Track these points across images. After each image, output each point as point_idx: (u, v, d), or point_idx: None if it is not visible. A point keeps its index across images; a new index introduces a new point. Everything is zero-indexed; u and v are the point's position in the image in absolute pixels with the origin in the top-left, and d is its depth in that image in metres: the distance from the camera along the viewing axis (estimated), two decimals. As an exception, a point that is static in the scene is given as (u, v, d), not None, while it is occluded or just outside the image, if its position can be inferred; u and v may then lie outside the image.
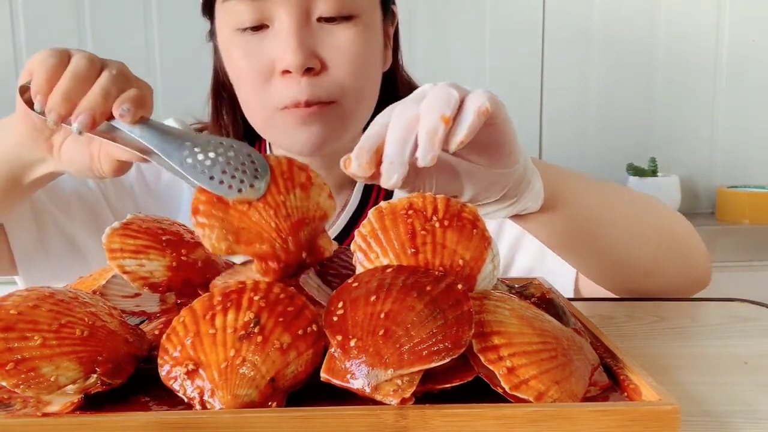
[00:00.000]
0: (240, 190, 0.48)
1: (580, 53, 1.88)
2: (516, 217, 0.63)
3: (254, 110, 0.76)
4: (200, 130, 0.90)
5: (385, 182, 0.46)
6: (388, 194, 0.87)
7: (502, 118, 0.51)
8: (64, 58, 0.54)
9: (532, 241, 0.77)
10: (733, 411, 0.44)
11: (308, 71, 0.70)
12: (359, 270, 0.45)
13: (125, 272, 0.48)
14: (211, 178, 0.49)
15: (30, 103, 0.55)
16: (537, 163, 0.63)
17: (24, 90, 0.56)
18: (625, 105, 1.90)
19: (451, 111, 0.46)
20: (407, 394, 0.37)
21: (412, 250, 0.44)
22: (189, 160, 0.49)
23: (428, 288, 0.40)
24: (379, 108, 0.85)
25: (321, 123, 0.73)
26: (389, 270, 0.42)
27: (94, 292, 0.49)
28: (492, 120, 0.49)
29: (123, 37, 1.79)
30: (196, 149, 0.50)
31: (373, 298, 0.40)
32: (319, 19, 0.71)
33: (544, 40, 1.87)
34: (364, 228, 0.46)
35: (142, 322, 0.51)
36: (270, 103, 0.73)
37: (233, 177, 0.49)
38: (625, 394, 0.41)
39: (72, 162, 0.59)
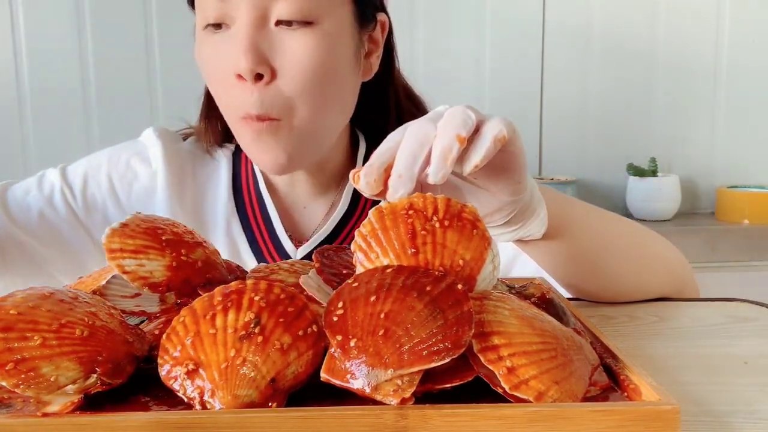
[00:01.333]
0: None
1: (580, 54, 1.88)
2: (518, 241, 0.63)
3: (224, 112, 0.76)
4: (188, 135, 0.91)
5: (390, 196, 0.46)
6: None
7: (517, 147, 0.51)
8: None
9: (527, 264, 0.77)
10: (733, 411, 0.44)
11: (259, 78, 0.69)
12: (359, 270, 0.45)
13: (125, 272, 0.48)
14: None
15: None
16: (542, 189, 0.62)
17: None
18: (625, 105, 1.90)
19: (467, 131, 0.46)
20: (407, 394, 0.37)
21: (413, 250, 0.44)
22: None
23: (428, 288, 0.40)
24: (373, 116, 0.86)
25: (272, 141, 0.72)
26: (389, 270, 0.42)
27: (94, 292, 0.49)
28: (506, 147, 0.49)
29: (123, 37, 1.79)
30: None
31: (373, 298, 0.40)
32: (278, 23, 0.69)
33: (544, 40, 1.87)
34: (364, 228, 0.46)
35: (142, 322, 0.51)
36: (231, 108, 0.73)
37: None
38: (625, 394, 0.41)
39: None
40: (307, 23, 0.69)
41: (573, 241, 0.65)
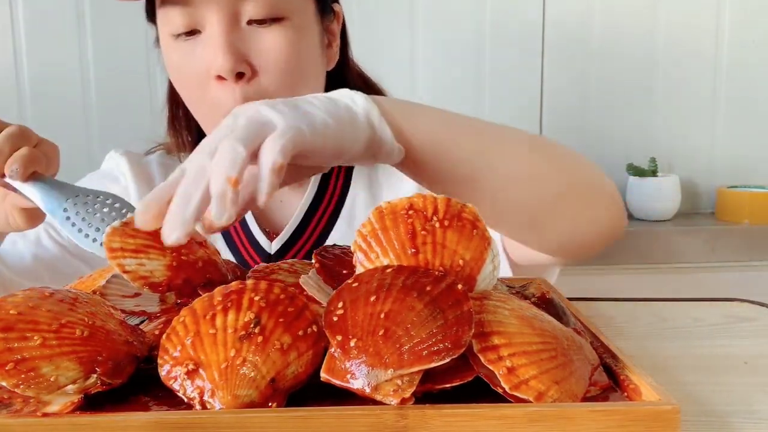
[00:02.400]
0: None
1: (580, 54, 1.88)
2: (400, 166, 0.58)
3: (201, 118, 0.77)
4: (153, 152, 0.92)
5: (164, 240, 0.42)
6: (344, 190, 0.86)
7: (318, 145, 0.47)
8: None
9: None
10: (733, 411, 0.44)
11: (240, 77, 0.70)
12: (359, 270, 0.45)
13: (125, 271, 0.48)
14: (86, 236, 0.53)
15: None
16: (403, 106, 0.57)
17: None
18: (625, 105, 1.90)
19: (237, 171, 0.42)
20: (407, 394, 0.37)
21: (413, 250, 0.44)
22: (68, 218, 0.53)
23: (428, 288, 0.40)
24: None
25: None
26: (389, 270, 0.42)
27: (94, 292, 0.49)
28: (304, 155, 0.47)
29: (123, 37, 1.79)
30: (75, 206, 0.54)
31: (373, 298, 0.40)
32: (250, 22, 0.70)
33: (544, 39, 1.87)
34: (364, 228, 0.46)
35: (142, 322, 0.51)
36: (213, 111, 0.73)
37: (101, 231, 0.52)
38: (625, 394, 0.41)
39: None
40: (277, 19, 0.71)
41: (447, 155, 0.57)
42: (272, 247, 0.83)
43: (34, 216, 0.62)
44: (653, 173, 1.81)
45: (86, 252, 0.85)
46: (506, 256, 0.75)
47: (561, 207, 0.62)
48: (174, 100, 0.87)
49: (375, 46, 1.78)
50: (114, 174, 0.89)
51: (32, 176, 0.56)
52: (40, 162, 0.57)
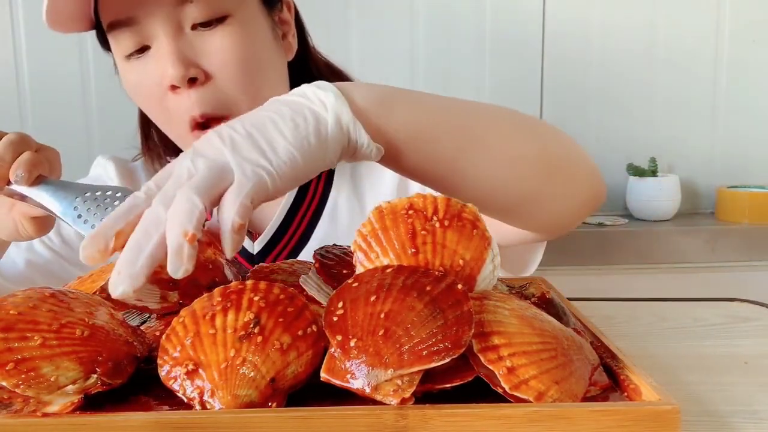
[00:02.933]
0: None
1: (580, 53, 1.88)
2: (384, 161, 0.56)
3: (169, 132, 0.77)
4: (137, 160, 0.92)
5: (111, 292, 0.39)
6: (326, 188, 0.85)
7: (283, 189, 0.45)
8: None
9: (414, 191, 0.70)
10: (733, 411, 0.44)
11: (193, 82, 0.70)
12: (359, 270, 0.45)
13: None
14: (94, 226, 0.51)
15: None
16: (364, 85, 0.55)
17: None
18: (625, 105, 1.90)
19: (193, 227, 0.40)
20: (407, 394, 0.37)
21: (413, 250, 0.44)
22: (80, 216, 0.52)
23: (428, 288, 0.40)
24: None
25: None
26: (389, 270, 0.42)
27: (95, 293, 0.49)
28: (270, 197, 0.45)
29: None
30: (86, 203, 0.53)
31: (373, 298, 0.40)
32: (194, 27, 0.70)
33: (544, 39, 1.87)
34: (364, 228, 0.46)
35: (143, 322, 0.51)
36: (176, 121, 0.73)
37: None
38: (625, 394, 0.41)
39: (1, 230, 0.63)
40: (221, 19, 0.71)
41: (421, 144, 0.55)
42: (254, 247, 0.82)
43: (44, 224, 0.62)
44: (653, 173, 1.81)
45: (74, 255, 0.86)
46: None
47: (545, 187, 0.62)
48: (145, 121, 0.87)
49: (375, 45, 1.78)
50: (102, 179, 0.89)
51: (38, 180, 0.55)
52: (44, 165, 0.57)
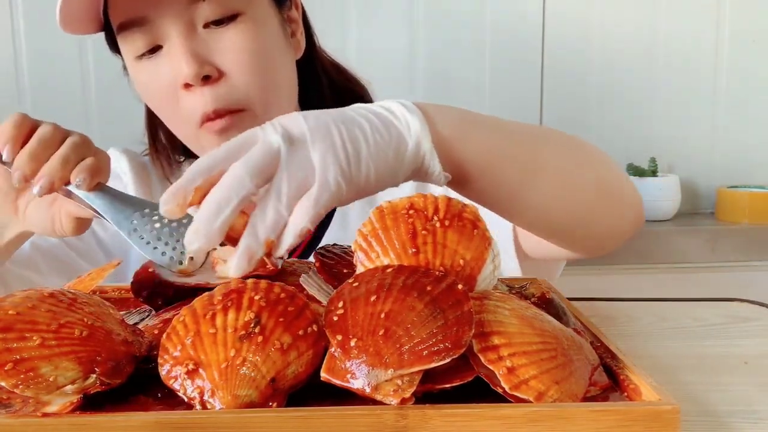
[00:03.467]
0: (180, 262, 0.51)
1: (580, 53, 1.88)
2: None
3: (179, 131, 0.77)
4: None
5: (187, 246, 0.42)
6: None
7: (348, 200, 0.46)
8: (31, 122, 0.57)
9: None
10: (733, 411, 0.44)
11: (207, 80, 0.70)
12: (360, 269, 0.45)
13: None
14: (155, 248, 0.52)
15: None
16: (442, 109, 0.55)
17: None
18: (625, 105, 1.90)
19: (275, 234, 0.43)
20: (407, 394, 0.37)
21: (413, 249, 0.44)
22: (136, 230, 0.53)
23: (428, 288, 0.40)
24: (309, 94, 0.85)
25: (238, 133, 0.72)
26: (390, 270, 0.42)
27: (93, 292, 0.49)
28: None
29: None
30: (143, 219, 0.53)
31: (373, 297, 0.40)
32: (207, 25, 0.70)
33: (544, 39, 1.87)
34: (365, 227, 0.46)
35: (142, 320, 0.51)
36: (186, 120, 0.73)
37: (174, 249, 0.52)
38: (625, 394, 0.41)
39: (36, 224, 0.63)
40: (233, 16, 0.71)
41: (492, 169, 0.57)
42: None
43: (83, 225, 0.62)
44: (653, 173, 1.81)
45: (81, 245, 0.85)
46: (515, 246, 0.75)
47: (597, 212, 0.65)
48: (152, 121, 0.86)
49: (375, 45, 1.78)
50: (116, 172, 0.89)
51: (96, 187, 0.56)
52: (104, 173, 0.57)
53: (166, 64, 0.71)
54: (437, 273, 0.42)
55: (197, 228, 0.41)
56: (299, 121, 0.46)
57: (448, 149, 0.52)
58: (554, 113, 1.89)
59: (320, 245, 0.55)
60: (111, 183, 0.83)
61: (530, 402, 0.37)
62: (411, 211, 0.46)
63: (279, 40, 0.76)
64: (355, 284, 0.42)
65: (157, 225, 0.53)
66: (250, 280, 0.43)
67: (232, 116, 0.72)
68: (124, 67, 0.78)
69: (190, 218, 0.50)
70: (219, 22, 0.70)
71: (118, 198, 0.56)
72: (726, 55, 1.89)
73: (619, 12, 1.87)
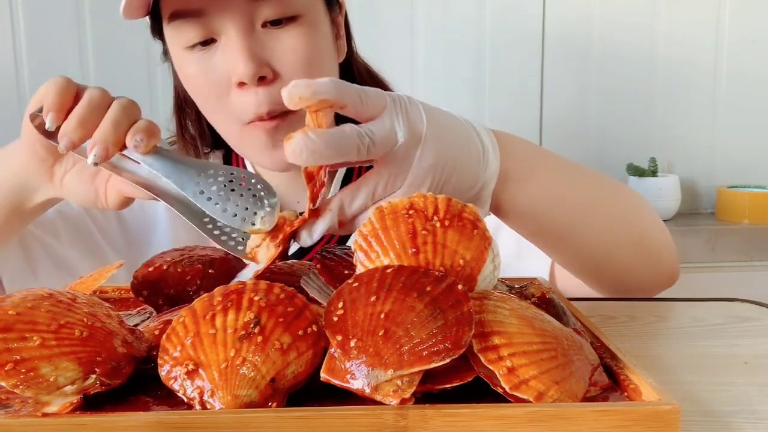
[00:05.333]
0: (253, 223, 0.49)
1: (580, 53, 1.88)
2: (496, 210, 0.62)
3: (221, 127, 0.77)
4: (174, 143, 0.91)
5: (290, 151, 0.45)
6: None
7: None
8: (75, 86, 0.55)
9: (508, 235, 0.76)
10: (733, 411, 0.44)
11: (262, 80, 0.70)
12: (360, 269, 0.45)
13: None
14: (225, 210, 0.49)
15: (41, 130, 0.56)
16: (510, 142, 0.59)
17: (33, 118, 0.56)
18: (625, 105, 1.90)
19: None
20: (407, 395, 0.37)
21: (413, 249, 0.44)
22: (203, 192, 0.50)
23: (428, 288, 0.40)
24: None
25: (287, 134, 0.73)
26: (389, 270, 0.42)
27: (94, 293, 0.49)
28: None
29: (123, 37, 1.79)
30: (209, 180, 0.51)
31: (373, 298, 0.40)
32: (265, 24, 0.70)
33: (544, 39, 1.87)
34: (365, 227, 0.46)
35: (142, 321, 0.51)
36: (234, 117, 0.73)
37: (246, 209, 0.50)
38: (625, 394, 0.41)
39: (76, 194, 0.61)
40: (292, 18, 0.70)
41: (552, 204, 0.62)
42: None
43: (128, 201, 0.60)
44: (653, 173, 1.81)
45: (104, 222, 0.84)
46: (549, 279, 0.80)
47: (631, 267, 0.69)
48: (181, 110, 0.86)
49: (375, 45, 1.78)
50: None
51: (153, 150, 0.53)
52: (158, 135, 0.55)
53: (221, 58, 0.70)
54: (437, 273, 0.42)
55: (314, 150, 0.45)
56: (421, 121, 0.50)
57: (505, 191, 0.57)
58: (554, 113, 1.89)
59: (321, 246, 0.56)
60: None
61: (530, 402, 0.37)
62: (411, 211, 0.45)
63: (330, 44, 0.76)
64: (355, 284, 0.42)
65: (225, 186, 0.50)
66: (250, 281, 0.43)
67: (283, 119, 0.72)
68: (165, 53, 0.78)
69: (257, 180, 0.51)
70: (277, 23, 0.70)
71: (178, 160, 0.52)
72: (726, 55, 1.89)
73: (619, 12, 1.87)
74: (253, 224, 0.49)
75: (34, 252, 0.79)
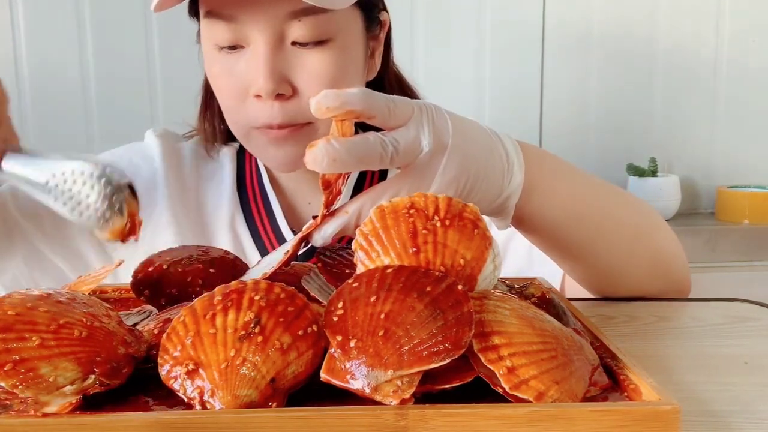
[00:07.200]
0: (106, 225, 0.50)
1: (580, 54, 1.88)
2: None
3: (232, 124, 0.78)
4: (192, 137, 0.92)
5: (310, 156, 0.45)
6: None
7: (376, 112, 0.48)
8: None
9: (520, 244, 0.77)
10: (733, 411, 0.44)
11: (279, 96, 0.70)
12: (360, 269, 0.45)
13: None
14: (72, 209, 0.50)
15: None
16: (535, 155, 0.60)
17: None
18: (625, 105, 1.90)
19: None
20: (407, 395, 0.37)
21: (414, 249, 0.44)
22: (54, 186, 0.51)
23: (428, 288, 0.40)
24: None
25: (294, 143, 0.73)
26: (389, 270, 0.42)
27: (93, 293, 0.49)
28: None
29: (123, 37, 1.79)
30: (63, 177, 0.50)
31: (373, 298, 0.40)
32: (293, 43, 0.70)
33: (544, 39, 1.87)
34: (365, 227, 0.46)
35: (142, 320, 0.51)
36: (245, 121, 0.74)
37: (98, 207, 0.50)
38: (625, 394, 0.41)
39: None
40: (322, 42, 0.70)
41: (576, 214, 0.63)
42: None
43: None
44: (653, 173, 1.81)
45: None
46: (560, 288, 0.80)
47: (643, 283, 0.70)
48: (208, 89, 0.86)
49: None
50: (148, 153, 0.88)
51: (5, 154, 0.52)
52: (16, 139, 0.54)
53: (245, 66, 0.71)
54: (437, 273, 0.42)
55: (335, 158, 0.45)
56: (447, 131, 0.50)
57: (528, 203, 0.58)
58: (554, 113, 1.90)
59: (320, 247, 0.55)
60: (143, 166, 0.82)
61: (530, 402, 0.37)
62: (412, 211, 0.45)
63: (359, 65, 0.76)
64: (355, 284, 0.42)
65: (69, 188, 0.50)
66: (250, 280, 0.43)
67: (294, 129, 0.72)
68: (198, 34, 0.78)
69: (111, 173, 0.50)
70: (306, 44, 0.70)
71: (34, 157, 0.52)
72: (726, 55, 1.89)
73: (619, 13, 1.87)
74: (108, 222, 0.50)
75: (15, 239, 0.79)
